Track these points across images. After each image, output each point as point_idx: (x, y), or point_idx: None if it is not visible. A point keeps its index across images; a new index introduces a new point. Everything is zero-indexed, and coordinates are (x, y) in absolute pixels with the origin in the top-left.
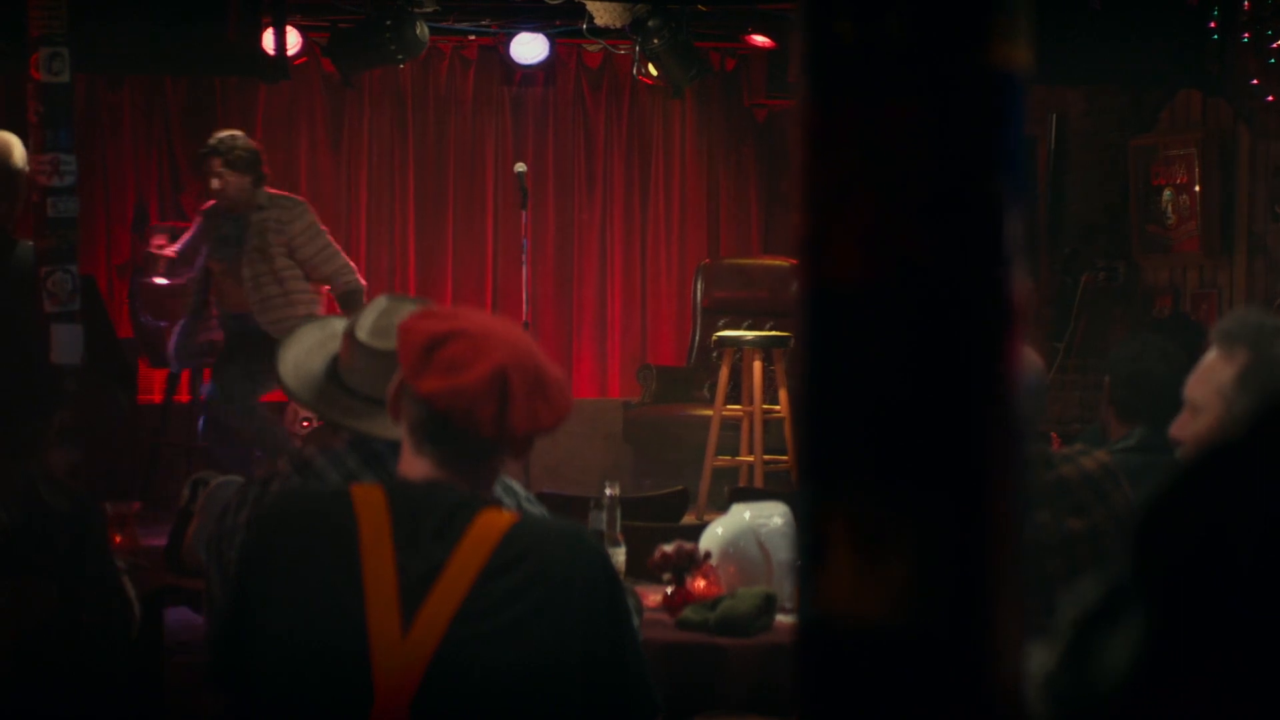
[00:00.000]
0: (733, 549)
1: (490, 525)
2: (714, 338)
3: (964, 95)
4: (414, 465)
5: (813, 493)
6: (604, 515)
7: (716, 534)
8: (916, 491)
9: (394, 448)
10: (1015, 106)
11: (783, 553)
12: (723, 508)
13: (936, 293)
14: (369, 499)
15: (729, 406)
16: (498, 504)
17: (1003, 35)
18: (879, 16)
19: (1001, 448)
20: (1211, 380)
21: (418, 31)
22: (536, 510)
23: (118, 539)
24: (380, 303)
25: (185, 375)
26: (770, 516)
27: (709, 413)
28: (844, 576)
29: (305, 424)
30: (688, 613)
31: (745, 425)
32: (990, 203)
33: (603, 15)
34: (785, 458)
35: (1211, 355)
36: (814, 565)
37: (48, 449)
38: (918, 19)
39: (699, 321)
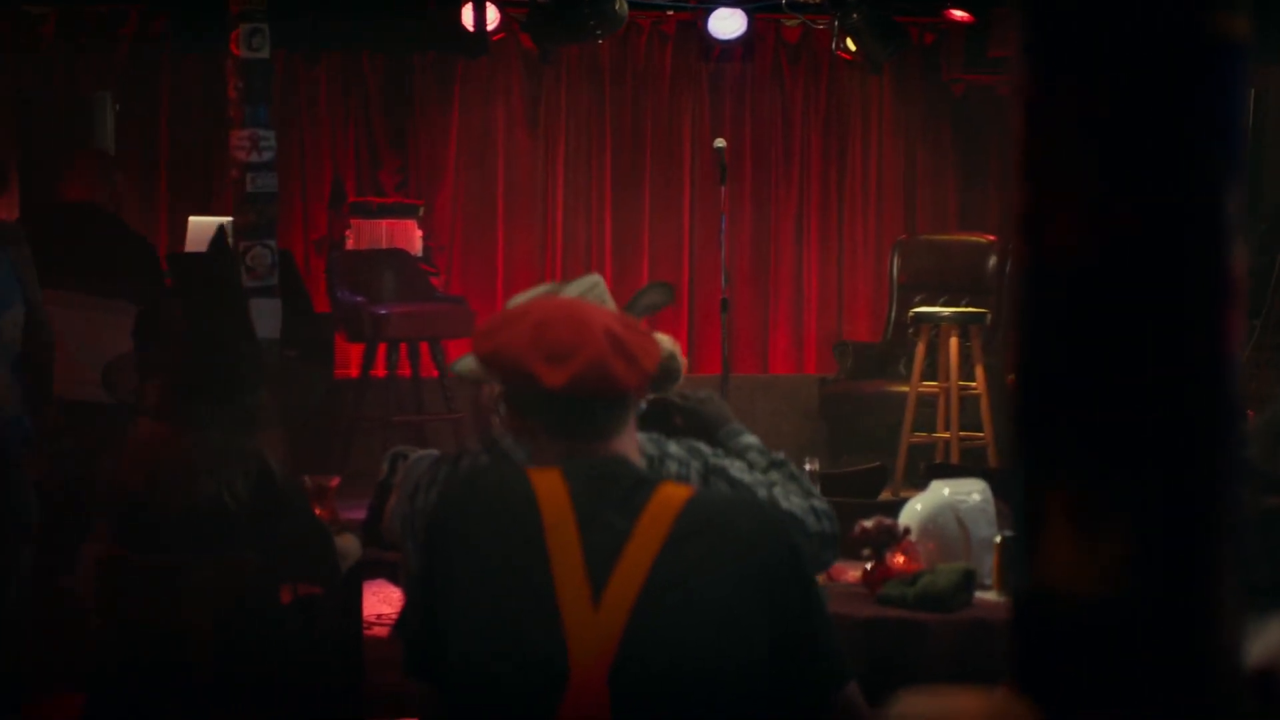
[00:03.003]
0: (932, 525)
1: (670, 498)
2: (910, 314)
3: (1187, 67)
4: (558, 449)
5: (1030, 469)
6: None
7: (915, 510)
8: (1134, 468)
9: None
10: (1238, 78)
11: (982, 529)
12: (918, 484)
13: (1157, 268)
14: (547, 478)
15: (925, 383)
16: (687, 481)
17: (1225, 6)
18: None
19: (1219, 424)
20: None
21: (617, 7)
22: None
23: (317, 512)
24: (539, 288)
25: (382, 349)
26: (969, 493)
27: (904, 389)
28: (1061, 551)
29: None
30: (887, 588)
31: (941, 401)
32: (1212, 176)
33: None
34: (981, 434)
35: None
36: (1031, 540)
37: (267, 423)
38: None
39: (895, 298)
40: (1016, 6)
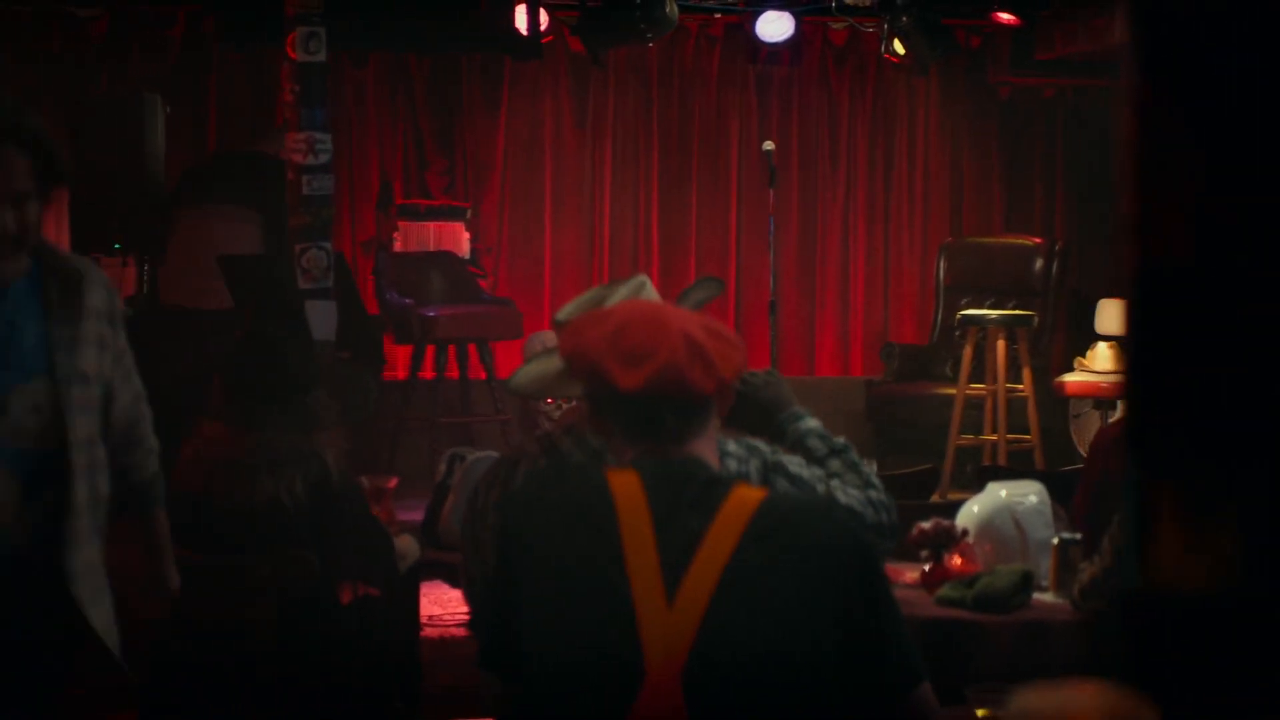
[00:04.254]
0: (989, 527)
1: (744, 499)
2: (957, 316)
3: None
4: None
5: (1141, 465)
6: None
7: (973, 512)
8: (1241, 466)
9: None
10: None
11: (1039, 531)
12: (965, 486)
13: (1262, 269)
14: (623, 478)
15: (972, 385)
16: (747, 479)
17: None
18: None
19: None
20: None
21: (668, 10)
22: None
23: (375, 513)
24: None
25: (430, 351)
26: (1026, 495)
27: (951, 391)
28: (1172, 549)
29: (550, 401)
30: (946, 589)
31: (988, 404)
32: None
33: None
34: (1028, 436)
35: None
36: (1143, 538)
37: (327, 423)
38: None
39: (941, 300)
40: (1126, 16)
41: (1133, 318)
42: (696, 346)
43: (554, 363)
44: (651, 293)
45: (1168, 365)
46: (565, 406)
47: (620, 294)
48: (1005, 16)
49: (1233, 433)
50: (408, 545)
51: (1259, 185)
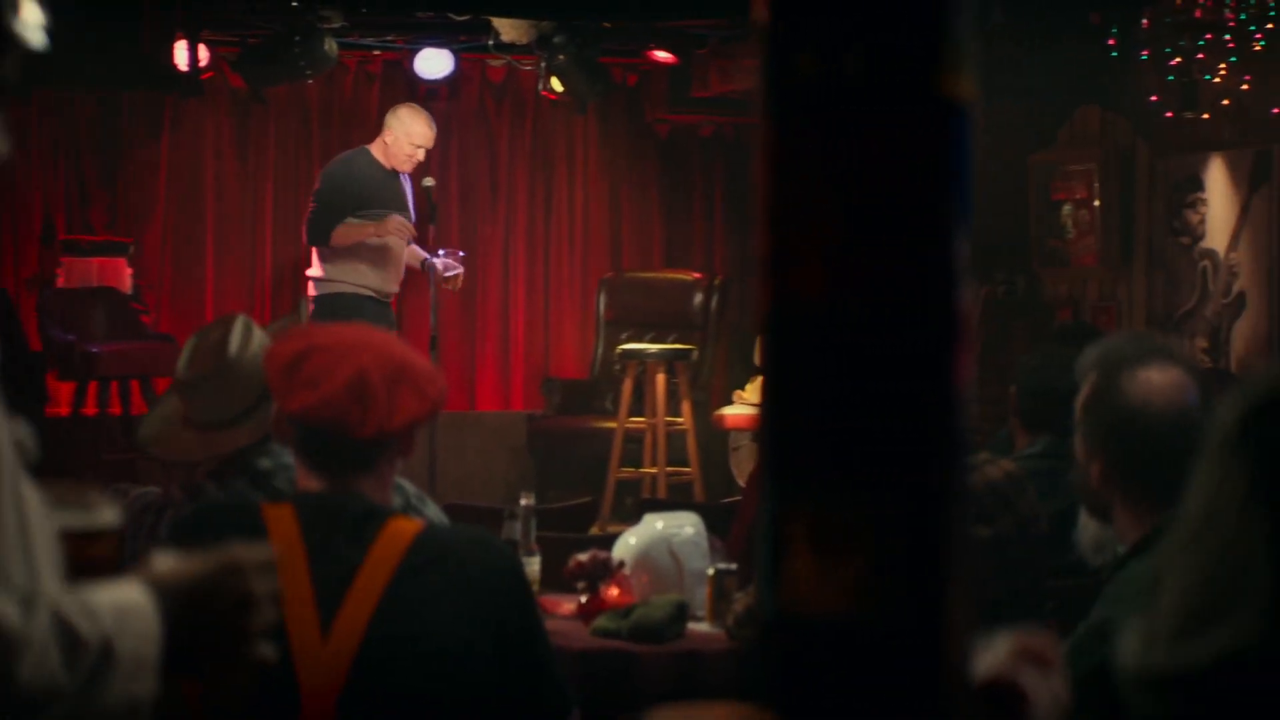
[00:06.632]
0: (645, 558)
1: (399, 531)
2: (617, 350)
3: (916, 123)
4: (311, 480)
5: (777, 495)
6: (518, 525)
7: (629, 544)
8: (874, 494)
9: (282, 467)
10: (964, 133)
11: (695, 562)
12: (625, 518)
13: (893, 308)
14: (278, 512)
15: (632, 419)
16: (404, 512)
17: (952, 69)
18: (838, 50)
19: (951, 452)
20: (1079, 400)
21: (326, 47)
22: (430, 510)
23: None
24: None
25: (92, 388)
26: (682, 526)
27: (612, 425)
28: (805, 573)
29: None
30: (602, 621)
31: (648, 437)
32: (941, 224)
33: (508, 31)
34: (688, 469)
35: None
36: (777, 563)
37: None
38: (874, 52)
39: (602, 334)
40: (760, 69)
41: (767, 354)
42: (363, 388)
43: (173, 405)
44: (244, 333)
45: (801, 401)
46: None
47: (215, 335)
48: (662, 55)
49: (863, 464)
50: None
51: (885, 232)
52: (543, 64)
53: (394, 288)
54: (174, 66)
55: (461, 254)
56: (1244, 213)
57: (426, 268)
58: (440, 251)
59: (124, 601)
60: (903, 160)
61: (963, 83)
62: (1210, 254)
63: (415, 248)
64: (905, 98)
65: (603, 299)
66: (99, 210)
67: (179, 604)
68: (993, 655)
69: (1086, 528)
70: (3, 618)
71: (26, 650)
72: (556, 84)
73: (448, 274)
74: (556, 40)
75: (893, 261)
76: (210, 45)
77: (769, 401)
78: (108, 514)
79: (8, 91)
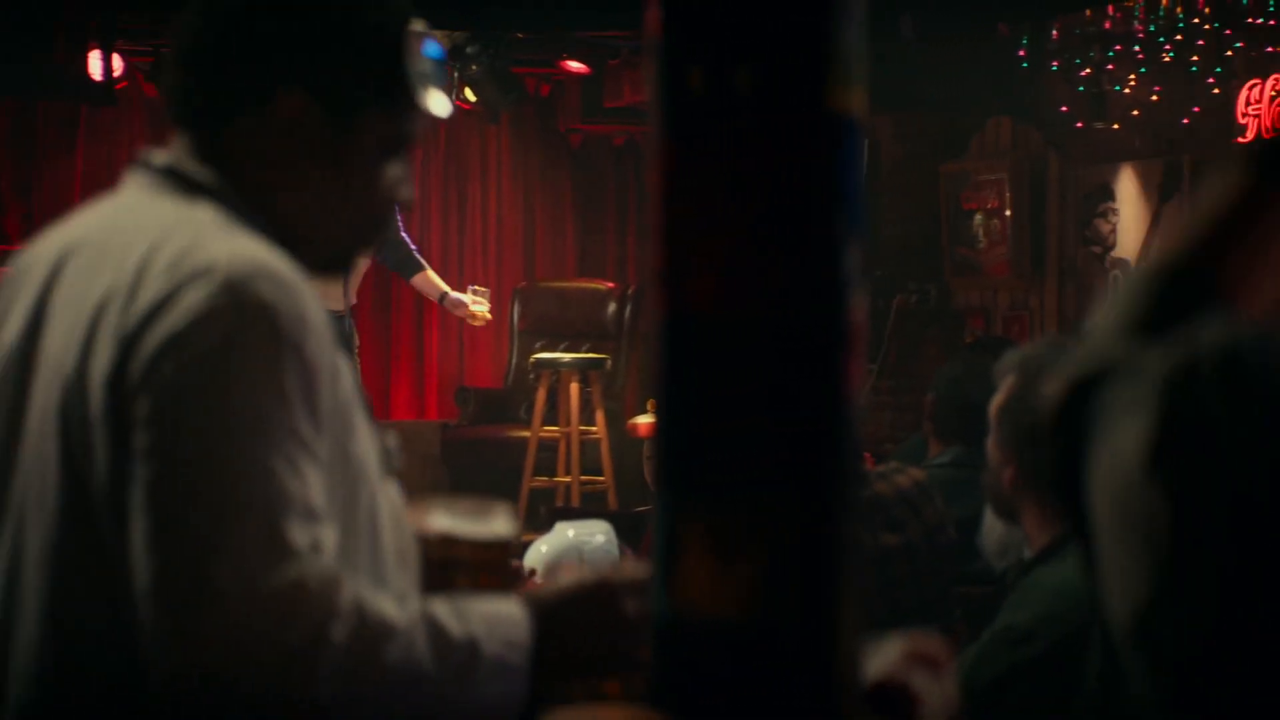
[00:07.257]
0: (556, 566)
1: None
2: (531, 360)
3: (807, 138)
4: None
5: (670, 501)
6: None
7: (540, 551)
8: (766, 500)
9: None
10: (854, 147)
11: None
12: (539, 527)
13: (784, 319)
14: None
15: (546, 428)
16: None
17: (841, 83)
18: (728, 67)
19: (842, 459)
20: (995, 403)
21: None
22: None
23: None
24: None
25: None
26: (593, 534)
27: (526, 434)
28: (699, 577)
29: None
30: None
31: (562, 446)
32: (832, 235)
33: None
34: (601, 478)
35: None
36: (670, 567)
37: None
38: (763, 67)
39: (516, 344)
40: (652, 84)
41: (661, 362)
42: None
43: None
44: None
45: (694, 408)
46: None
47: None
48: (574, 65)
49: (755, 471)
50: None
51: (776, 243)
52: (456, 74)
53: (334, 305)
54: (89, 76)
55: (485, 288)
56: (1155, 222)
57: (447, 303)
58: (471, 288)
59: (498, 611)
60: (793, 173)
61: (852, 96)
62: (1122, 263)
63: (434, 279)
64: (795, 111)
65: (516, 308)
66: (14, 220)
67: (556, 621)
68: (883, 657)
69: (993, 529)
70: (380, 606)
71: (396, 635)
72: (470, 94)
73: (457, 310)
74: (470, 50)
75: (784, 272)
76: (125, 55)
77: (662, 409)
78: (503, 525)
79: None
